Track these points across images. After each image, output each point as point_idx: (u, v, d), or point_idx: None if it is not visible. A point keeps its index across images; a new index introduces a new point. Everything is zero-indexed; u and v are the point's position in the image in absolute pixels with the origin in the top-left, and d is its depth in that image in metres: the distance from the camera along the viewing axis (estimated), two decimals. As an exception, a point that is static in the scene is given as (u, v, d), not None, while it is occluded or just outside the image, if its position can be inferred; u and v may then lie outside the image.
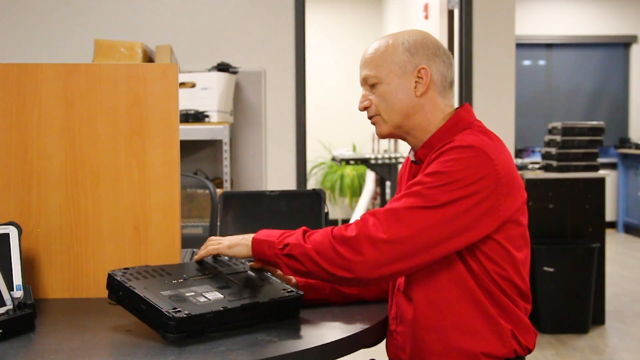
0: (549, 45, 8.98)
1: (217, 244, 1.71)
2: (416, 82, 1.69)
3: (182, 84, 4.22)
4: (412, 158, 1.77)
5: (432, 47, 1.71)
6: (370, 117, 1.75)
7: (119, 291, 1.57)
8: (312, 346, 1.48)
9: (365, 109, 1.75)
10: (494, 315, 1.62)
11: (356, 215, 7.82)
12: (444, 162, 1.58)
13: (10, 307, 1.56)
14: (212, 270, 1.72)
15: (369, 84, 1.73)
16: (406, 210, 1.55)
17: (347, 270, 1.54)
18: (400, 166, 7.35)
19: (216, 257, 1.77)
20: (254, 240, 1.67)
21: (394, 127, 1.73)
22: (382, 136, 1.76)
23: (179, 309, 1.47)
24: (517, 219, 1.64)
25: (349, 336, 1.54)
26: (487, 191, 1.57)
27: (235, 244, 1.68)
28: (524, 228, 1.67)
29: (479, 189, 1.56)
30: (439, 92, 1.71)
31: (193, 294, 1.57)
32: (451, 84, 1.74)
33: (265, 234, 1.67)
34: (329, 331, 1.58)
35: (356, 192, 8.68)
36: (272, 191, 2.24)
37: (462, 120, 1.70)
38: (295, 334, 1.52)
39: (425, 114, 1.70)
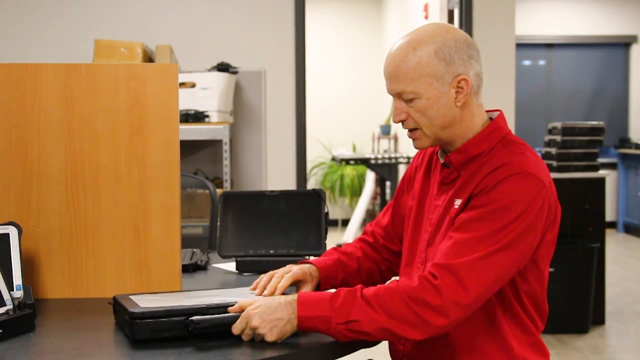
0: (549, 45, 8.98)
1: (259, 333, 1.46)
2: (457, 92, 1.62)
3: (182, 84, 4.22)
4: (441, 160, 1.72)
5: (465, 48, 1.62)
6: (408, 130, 1.68)
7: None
8: (312, 346, 1.48)
9: (401, 121, 1.67)
10: (508, 339, 1.61)
11: (356, 216, 7.81)
12: (504, 194, 1.54)
13: (10, 307, 1.56)
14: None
15: (404, 98, 1.63)
16: (480, 261, 1.50)
17: (427, 329, 1.48)
18: (401, 166, 7.35)
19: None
20: (300, 318, 1.47)
21: (436, 140, 1.67)
22: (422, 149, 1.72)
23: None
24: (554, 237, 1.65)
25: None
26: (542, 219, 1.58)
27: (282, 333, 1.46)
28: (555, 245, 1.67)
29: (537, 219, 1.56)
30: (474, 94, 1.65)
31: None
32: (482, 78, 1.68)
33: (309, 306, 1.48)
34: (329, 331, 1.58)
35: (356, 192, 8.68)
36: (272, 191, 2.23)
37: (499, 129, 1.67)
38: (296, 334, 1.52)
39: (465, 121, 1.65)
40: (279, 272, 1.72)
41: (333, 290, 1.53)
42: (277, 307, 1.48)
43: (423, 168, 1.81)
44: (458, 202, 1.63)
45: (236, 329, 1.47)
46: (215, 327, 1.47)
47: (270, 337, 1.45)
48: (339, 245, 1.94)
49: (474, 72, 1.63)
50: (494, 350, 1.61)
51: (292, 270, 1.71)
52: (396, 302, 1.48)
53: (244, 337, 1.47)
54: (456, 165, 1.67)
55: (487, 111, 1.72)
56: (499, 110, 1.72)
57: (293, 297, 1.51)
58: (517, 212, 1.53)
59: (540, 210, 1.56)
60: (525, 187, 1.55)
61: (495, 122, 1.68)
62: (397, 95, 1.65)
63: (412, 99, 1.62)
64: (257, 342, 1.47)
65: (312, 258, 2.15)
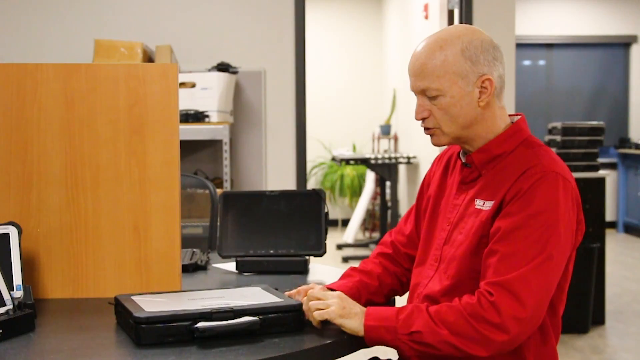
0: (549, 45, 8.98)
1: (324, 306, 1.55)
2: (480, 92, 1.64)
3: (182, 84, 4.22)
4: (462, 159, 1.73)
5: (491, 49, 1.64)
6: (427, 128, 1.69)
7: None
8: (312, 346, 1.48)
9: (423, 119, 1.69)
10: (521, 348, 1.60)
11: (356, 216, 7.81)
12: (538, 198, 1.55)
13: (10, 307, 1.56)
14: None
15: (428, 95, 1.65)
16: (531, 272, 1.51)
17: (489, 345, 1.50)
18: (401, 166, 7.35)
19: None
20: (367, 327, 1.53)
21: (454, 138, 1.68)
22: (439, 146, 1.73)
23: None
24: (580, 239, 1.66)
25: (349, 336, 1.54)
26: (575, 218, 1.60)
27: (347, 315, 1.54)
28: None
29: (572, 218, 1.59)
30: (497, 95, 1.67)
31: None
32: (504, 81, 1.70)
33: (376, 316, 1.55)
34: (329, 331, 1.58)
35: (356, 192, 8.68)
36: (272, 191, 2.24)
37: (520, 131, 1.69)
38: (295, 334, 1.52)
39: (486, 122, 1.67)
40: (301, 289, 1.72)
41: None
42: (355, 305, 1.58)
43: (440, 170, 1.82)
44: (480, 202, 1.64)
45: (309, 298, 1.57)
46: (220, 334, 1.47)
47: (335, 311, 1.53)
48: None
49: (497, 74, 1.66)
50: (503, 356, 1.60)
51: (314, 289, 1.68)
52: (456, 318, 1.51)
53: (312, 307, 1.55)
54: (477, 165, 1.68)
55: (509, 115, 1.73)
56: (520, 115, 1.74)
57: (362, 308, 1.57)
58: (554, 215, 1.55)
59: (572, 209, 1.59)
60: (557, 188, 1.57)
61: (517, 124, 1.70)
62: (421, 92, 1.66)
63: (436, 96, 1.64)
64: (259, 342, 1.47)
65: (312, 259, 2.15)
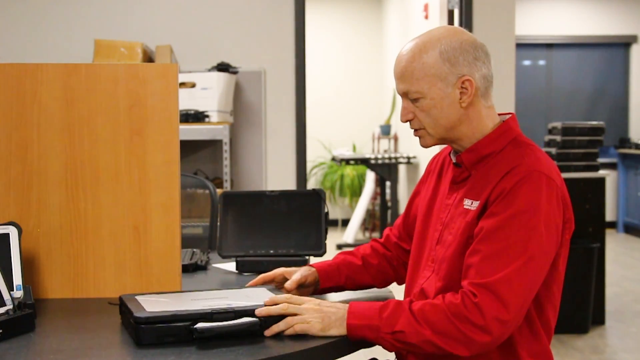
0: (549, 45, 8.97)
1: (303, 321, 1.51)
2: (461, 93, 1.64)
3: (182, 84, 4.22)
4: (453, 160, 1.74)
5: (471, 50, 1.65)
6: (413, 129, 1.71)
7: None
8: (312, 346, 1.48)
9: (407, 121, 1.71)
10: (515, 346, 1.60)
11: (356, 216, 7.81)
12: (521, 198, 1.55)
13: (10, 307, 1.57)
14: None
15: (410, 97, 1.67)
16: (515, 274, 1.51)
17: (471, 346, 1.50)
18: (401, 166, 7.35)
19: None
20: (349, 326, 1.52)
21: (440, 139, 1.70)
22: (427, 147, 1.74)
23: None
24: (570, 237, 1.66)
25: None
26: (560, 218, 1.60)
27: (329, 326, 1.52)
28: (569, 246, 1.68)
29: (556, 219, 1.59)
30: (482, 95, 1.68)
31: None
32: (491, 81, 1.70)
33: (359, 315, 1.53)
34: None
35: (356, 192, 8.68)
36: (272, 191, 2.24)
37: (510, 130, 1.69)
38: (295, 334, 1.52)
39: (471, 122, 1.67)
40: (265, 277, 1.84)
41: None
42: (332, 308, 1.55)
43: (437, 170, 1.83)
44: (468, 202, 1.65)
45: (277, 326, 1.51)
46: (220, 335, 1.47)
47: (315, 327, 1.51)
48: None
49: (480, 74, 1.66)
50: (499, 356, 1.60)
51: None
52: (440, 318, 1.50)
53: (289, 322, 1.50)
54: (467, 165, 1.69)
55: (500, 114, 1.73)
56: (511, 113, 1.74)
57: (344, 305, 1.56)
58: (536, 215, 1.55)
59: (557, 209, 1.59)
60: (540, 188, 1.56)
61: (507, 123, 1.70)
62: (404, 95, 1.69)
63: (417, 99, 1.66)
64: (259, 342, 1.47)
65: (312, 259, 2.16)
